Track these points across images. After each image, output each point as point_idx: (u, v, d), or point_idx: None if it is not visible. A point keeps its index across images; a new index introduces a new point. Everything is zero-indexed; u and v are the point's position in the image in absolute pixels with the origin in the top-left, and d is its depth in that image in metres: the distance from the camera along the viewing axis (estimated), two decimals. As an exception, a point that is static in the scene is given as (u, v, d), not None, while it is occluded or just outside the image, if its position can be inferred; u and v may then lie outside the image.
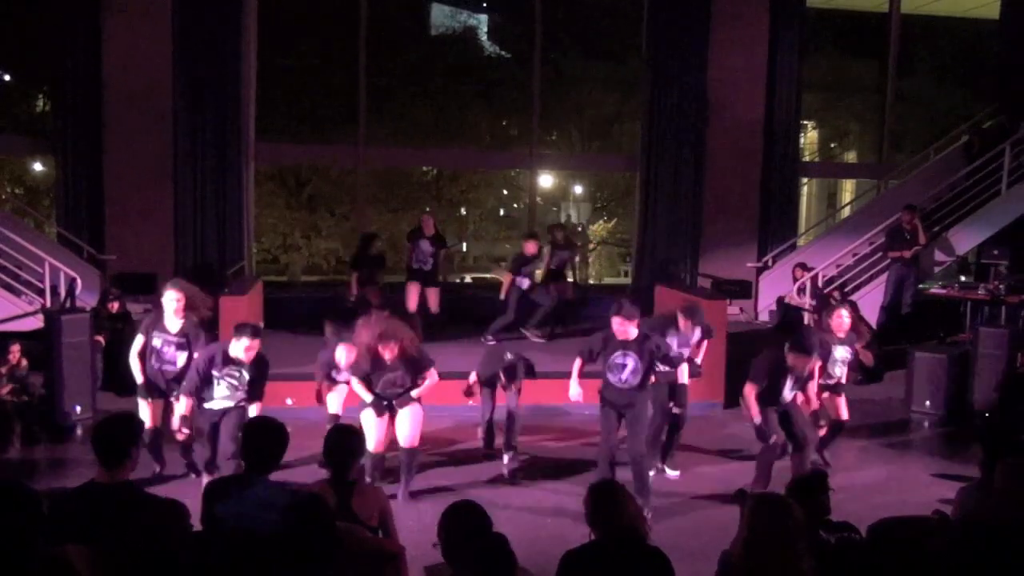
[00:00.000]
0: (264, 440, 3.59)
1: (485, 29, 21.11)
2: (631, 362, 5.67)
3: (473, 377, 6.93)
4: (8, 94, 17.17)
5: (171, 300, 6.01)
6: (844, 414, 6.73)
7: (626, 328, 5.70)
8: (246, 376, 5.59)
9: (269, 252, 18.23)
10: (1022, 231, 10.48)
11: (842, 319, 6.57)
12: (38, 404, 7.44)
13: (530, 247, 9.76)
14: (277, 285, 14.72)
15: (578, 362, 5.96)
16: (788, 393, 5.94)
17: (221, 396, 5.60)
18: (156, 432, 6.03)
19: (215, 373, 5.54)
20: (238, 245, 11.47)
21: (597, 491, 3.23)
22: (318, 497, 3.24)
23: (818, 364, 6.15)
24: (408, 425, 5.94)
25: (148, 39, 10.99)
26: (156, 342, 6.02)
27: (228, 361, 5.54)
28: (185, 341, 6.02)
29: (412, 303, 9.94)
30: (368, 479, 5.72)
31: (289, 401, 7.39)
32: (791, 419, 5.94)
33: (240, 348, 5.49)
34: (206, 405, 5.63)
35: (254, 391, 5.63)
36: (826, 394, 6.56)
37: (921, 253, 10.24)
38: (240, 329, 5.55)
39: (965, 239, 10.67)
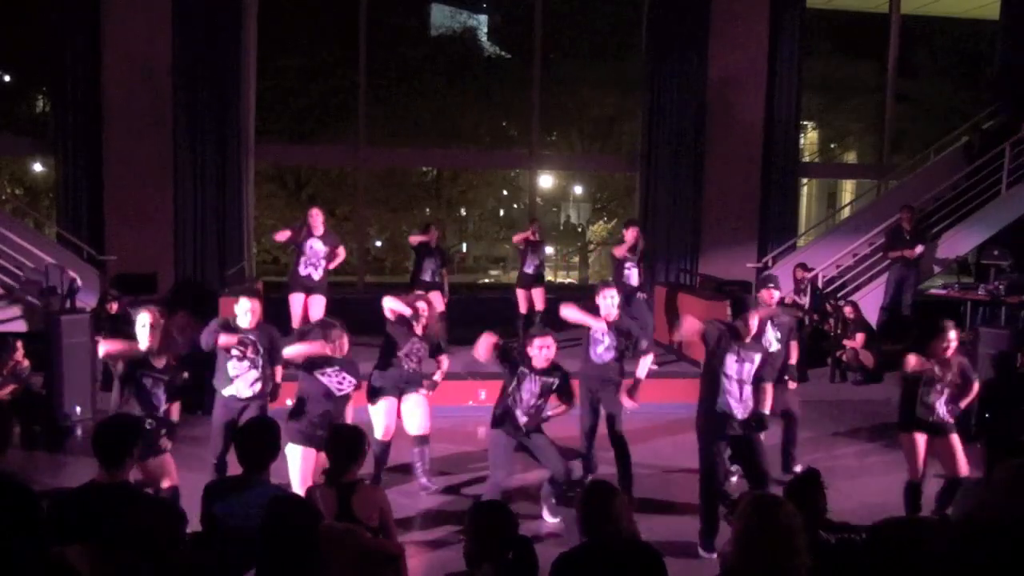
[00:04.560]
0: (260, 439, 3.65)
1: (485, 29, 21.13)
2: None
3: None
4: (8, 94, 17.19)
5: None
6: (962, 466, 5.43)
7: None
8: (258, 346, 5.57)
9: (269, 252, 18.23)
10: (1022, 231, 10.48)
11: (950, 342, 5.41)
12: (38, 404, 7.45)
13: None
14: (277, 285, 14.70)
15: None
16: (731, 368, 5.26)
17: (237, 376, 5.55)
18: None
19: (221, 342, 5.50)
20: (238, 245, 11.47)
21: (590, 493, 3.23)
22: (294, 497, 3.24)
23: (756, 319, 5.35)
24: (418, 413, 6.12)
25: (148, 39, 10.99)
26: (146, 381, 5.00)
27: (230, 330, 5.52)
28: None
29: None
30: (373, 471, 5.72)
31: (290, 402, 7.37)
32: (752, 450, 5.30)
33: (242, 312, 5.54)
34: (224, 392, 5.58)
35: (273, 357, 5.63)
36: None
37: (922, 254, 10.23)
38: (235, 292, 5.60)
39: (965, 239, 10.67)
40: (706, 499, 5.33)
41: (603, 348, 6.23)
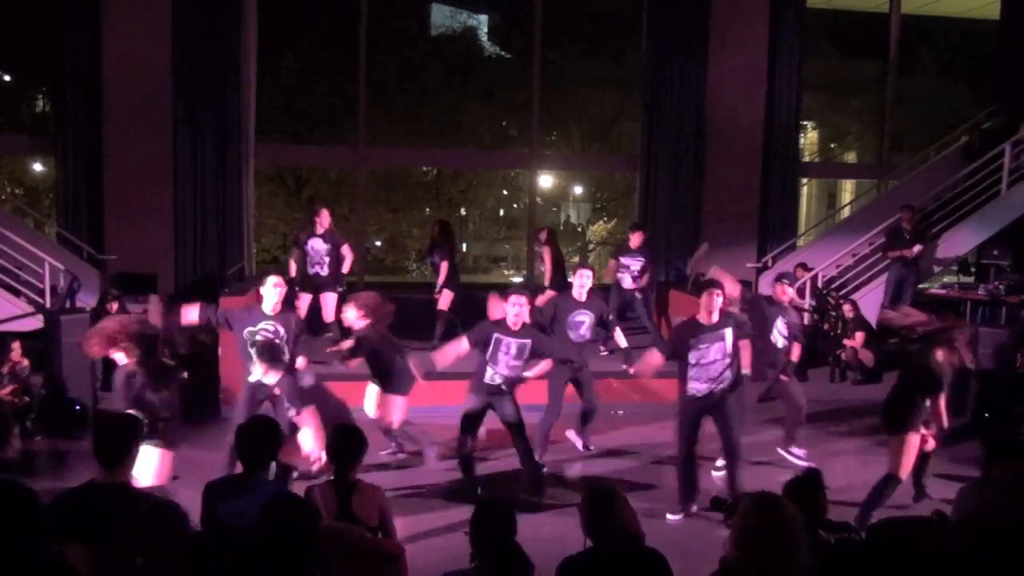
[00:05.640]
0: (260, 439, 3.65)
1: (485, 29, 21.09)
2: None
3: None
4: (8, 94, 17.18)
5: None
6: (930, 442, 5.66)
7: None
8: (281, 331, 5.65)
9: (269, 252, 18.22)
10: (1022, 231, 10.49)
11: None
12: (38, 404, 7.45)
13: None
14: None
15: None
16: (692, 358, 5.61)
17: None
18: None
19: (249, 329, 5.61)
20: (238, 245, 11.47)
21: (593, 496, 3.23)
22: (293, 497, 3.24)
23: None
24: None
25: (148, 39, 10.99)
26: None
27: (259, 316, 5.66)
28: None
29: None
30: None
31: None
32: (719, 423, 5.68)
33: (269, 286, 5.64)
34: (250, 378, 5.69)
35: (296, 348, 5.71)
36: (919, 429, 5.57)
37: (921, 253, 10.24)
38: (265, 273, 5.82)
39: (965, 239, 10.66)
40: (682, 468, 5.71)
41: (584, 328, 6.63)
